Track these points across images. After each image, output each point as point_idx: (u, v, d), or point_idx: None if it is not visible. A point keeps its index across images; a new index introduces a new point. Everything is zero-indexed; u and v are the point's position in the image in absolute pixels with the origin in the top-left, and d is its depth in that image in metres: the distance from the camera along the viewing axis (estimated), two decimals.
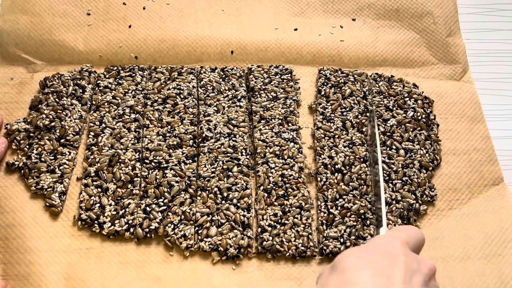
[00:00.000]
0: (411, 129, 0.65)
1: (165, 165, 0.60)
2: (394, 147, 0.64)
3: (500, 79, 0.74)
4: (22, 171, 0.59)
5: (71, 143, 0.61)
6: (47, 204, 0.57)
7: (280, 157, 0.61)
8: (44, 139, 0.61)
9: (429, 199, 0.61)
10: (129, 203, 0.57)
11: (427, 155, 0.64)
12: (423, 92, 0.68)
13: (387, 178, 0.61)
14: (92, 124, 0.63)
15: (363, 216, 0.58)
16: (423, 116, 0.66)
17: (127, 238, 0.56)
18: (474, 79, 0.71)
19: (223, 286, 0.54)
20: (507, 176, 0.64)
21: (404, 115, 0.66)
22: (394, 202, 0.60)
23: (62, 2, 0.71)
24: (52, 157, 0.60)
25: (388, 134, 0.65)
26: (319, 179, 0.60)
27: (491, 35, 0.77)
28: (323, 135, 0.64)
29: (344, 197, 0.59)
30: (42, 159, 0.60)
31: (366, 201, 0.59)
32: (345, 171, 0.61)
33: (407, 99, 0.67)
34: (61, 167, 0.60)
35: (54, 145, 0.61)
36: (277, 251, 0.56)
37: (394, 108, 0.67)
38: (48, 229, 0.57)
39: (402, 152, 0.63)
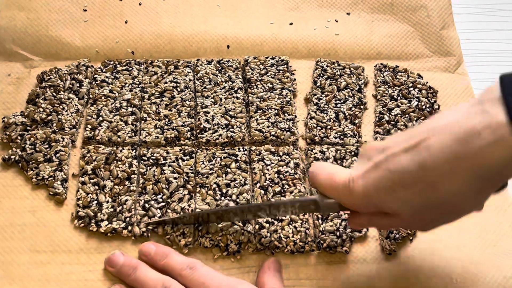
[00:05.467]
0: (415, 118, 0.65)
1: (163, 161, 0.60)
2: None
3: None
4: (20, 164, 0.59)
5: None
6: (51, 193, 0.57)
7: (276, 154, 0.61)
8: (38, 130, 0.60)
9: None
10: (126, 200, 0.57)
11: None
12: (427, 82, 0.69)
13: None
14: (89, 118, 0.63)
15: None
16: (427, 105, 0.66)
17: (124, 236, 0.56)
18: (473, 79, 0.71)
19: None
20: None
21: (408, 104, 0.66)
22: None
23: None
24: (47, 146, 0.60)
25: (392, 123, 0.65)
26: None
27: (491, 35, 0.78)
28: (315, 125, 0.64)
29: None
30: (37, 149, 0.59)
31: None
32: None
33: (412, 89, 0.68)
34: (57, 155, 0.59)
35: (47, 133, 0.60)
36: (275, 247, 0.56)
37: (399, 98, 0.67)
38: (49, 224, 0.56)
39: None
